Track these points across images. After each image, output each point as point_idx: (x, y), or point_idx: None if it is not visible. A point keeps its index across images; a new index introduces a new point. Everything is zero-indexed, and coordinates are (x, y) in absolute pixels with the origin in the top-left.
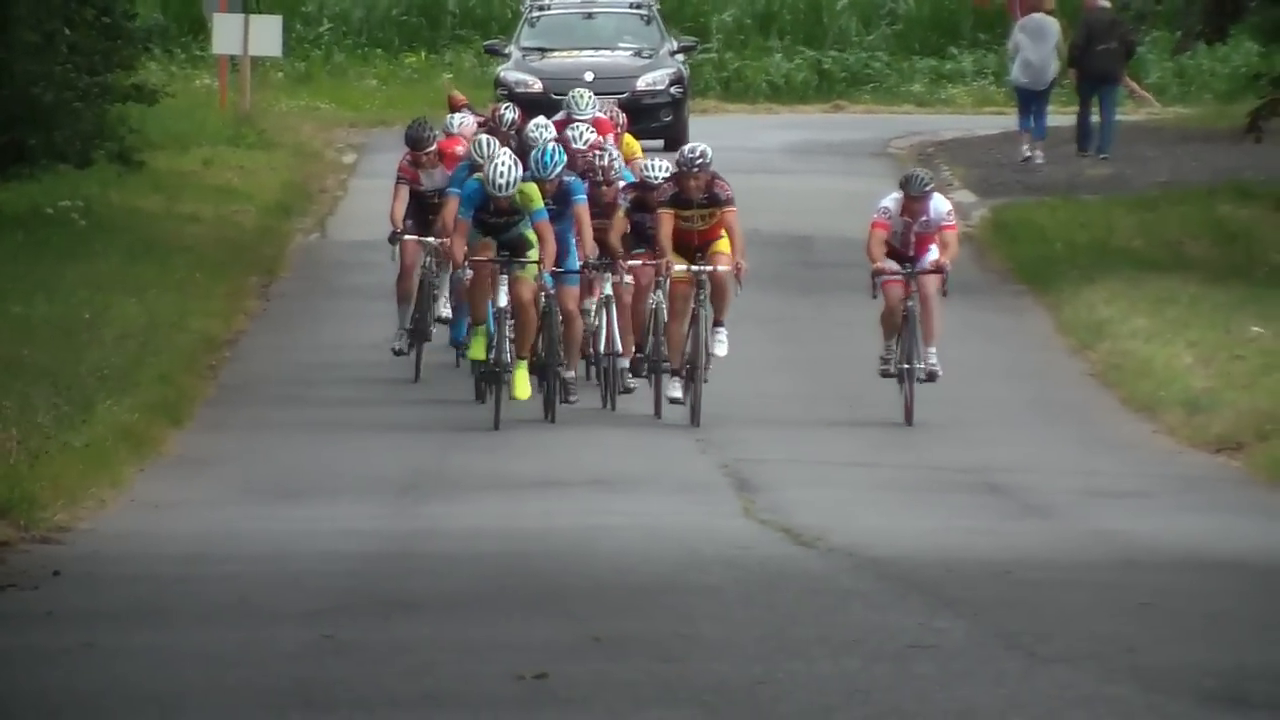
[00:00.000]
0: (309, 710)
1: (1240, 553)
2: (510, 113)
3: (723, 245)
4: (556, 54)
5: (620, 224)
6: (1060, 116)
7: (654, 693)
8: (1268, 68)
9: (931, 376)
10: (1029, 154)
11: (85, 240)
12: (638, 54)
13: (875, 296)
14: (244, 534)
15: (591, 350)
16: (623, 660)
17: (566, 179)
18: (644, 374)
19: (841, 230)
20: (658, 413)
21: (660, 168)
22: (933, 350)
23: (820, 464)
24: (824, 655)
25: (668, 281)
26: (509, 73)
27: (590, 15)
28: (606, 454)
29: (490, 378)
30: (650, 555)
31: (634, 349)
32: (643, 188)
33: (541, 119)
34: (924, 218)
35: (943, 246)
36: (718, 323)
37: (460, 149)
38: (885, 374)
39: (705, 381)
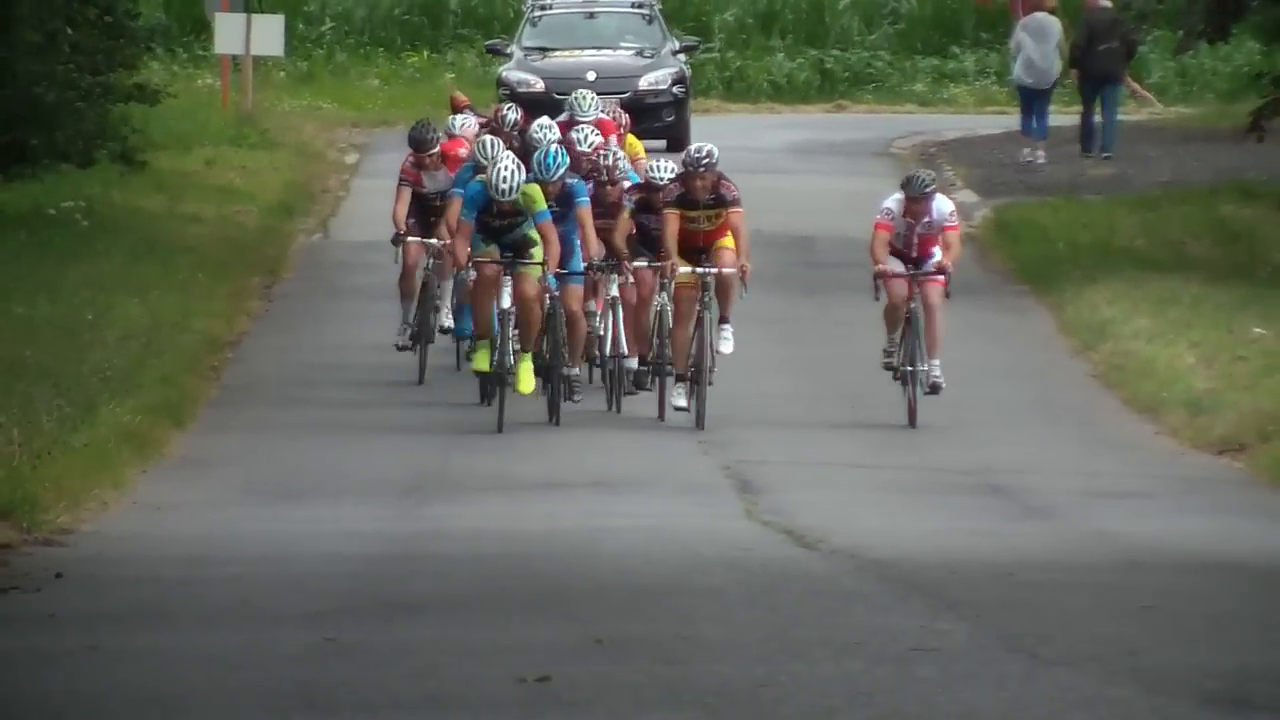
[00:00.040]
0: (311, 712)
1: (1242, 554)
2: (513, 113)
3: (727, 242)
4: (558, 53)
5: (625, 225)
6: (1062, 116)
7: (656, 695)
8: (1269, 67)
9: (935, 389)
10: (1030, 157)
11: (87, 240)
12: (640, 54)
13: (877, 298)
14: (246, 536)
15: (597, 352)
16: (625, 662)
17: (569, 181)
18: (648, 386)
19: (844, 230)
20: (661, 415)
21: (666, 168)
22: (936, 362)
23: (822, 465)
24: (826, 657)
25: (672, 284)
26: (511, 72)
27: (592, 15)
28: (609, 456)
29: (494, 380)
30: (652, 557)
31: (638, 361)
32: (648, 188)
33: (545, 119)
34: (926, 219)
35: (945, 247)
36: (723, 319)
37: (463, 151)
38: (888, 367)
39: (710, 384)
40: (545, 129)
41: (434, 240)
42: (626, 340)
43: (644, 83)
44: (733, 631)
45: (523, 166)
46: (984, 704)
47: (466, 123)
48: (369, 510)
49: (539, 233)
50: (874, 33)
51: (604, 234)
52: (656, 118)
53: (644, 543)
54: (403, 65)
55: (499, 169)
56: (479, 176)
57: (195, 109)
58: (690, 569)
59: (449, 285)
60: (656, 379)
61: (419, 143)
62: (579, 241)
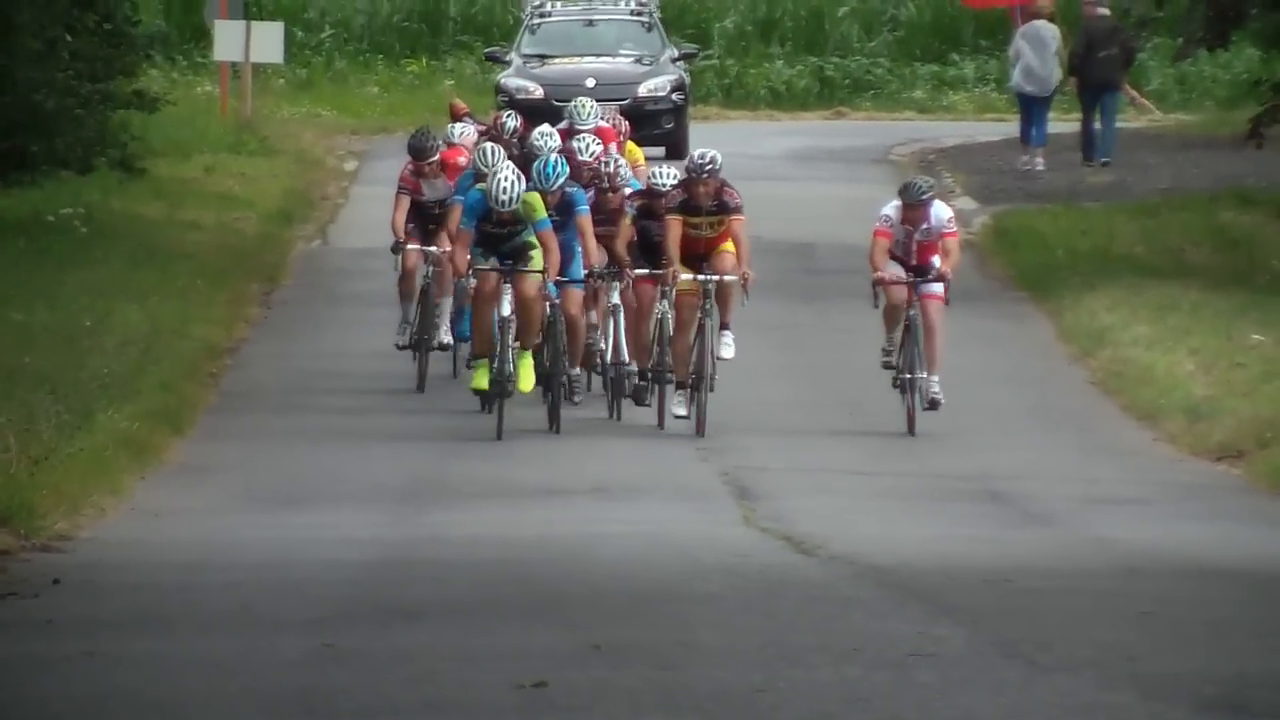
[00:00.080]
0: (309, 718)
1: (1241, 561)
2: (512, 120)
3: (727, 246)
4: (557, 61)
5: (626, 231)
6: (1061, 124)
7: (654, 701)
8: (1269, 74)
9: (934, 405)
10: (1029, 164)
11: (86, 247)
12: (639, 61)
13: (877, 305)
14: (245, 542)
15: (599, 361)
16: (623, 668)
17: (569, 190)
18: (647, 402)
19: (843, 237)
20: (661, 423)
21: (668, 174)
22: (935, 378)
23: (820, 472)
24: (824, 663)
25: (673, 291)
26: (510, 79)
27: (591, 23)
28: (608, 463)
29: (494, 388)
30: (650, 563)
31: (637, 375)
32: (650, 195)
33: (546, 127)
34: (925, 225)
35: (944, 254)
36: (724, 325)
37: (462, 159)
38: (887, 365)
39: (711, 391)
40: (546, 137)
41: (433, 248)
42: (627, 347)
43: (643, 90)
44: (730, 637)
45: (522, 177)
46: (982, 710)
47: (465, 131)
48: (367, 517)
49: (539, 241)
50: (873, 40)
51: (605, 241)
52: (656, 125)
53: (642, 549)
54: (402, 72)
55: (498, 180)
56: (479, 185)
57: (194, 116)
58: (688, 575)
59: (447, 302)
60: (656, 387)
61: (418, 151)
62: (579, 249)
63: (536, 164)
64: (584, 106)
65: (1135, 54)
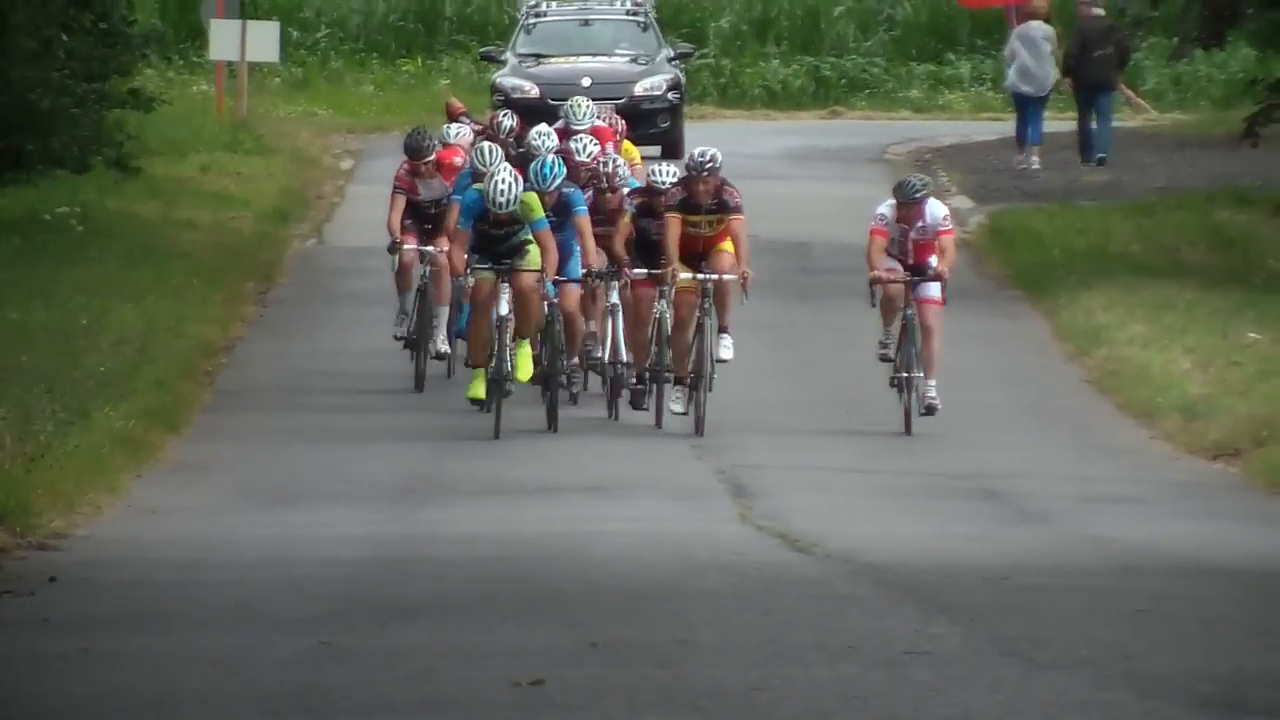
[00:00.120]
0: (306, 716)
1: (1237, 559)
2: (509, 120)
3: (725, 246)
4: (553, 60)
5: (625, 229)
6: (1057, 123)
7: (651, 698)
8: (1264, 73)
9: (930, 410)
10: (1025, 163)
11: (82, 246)
12: (634, 60)
13: (874, 305)
14: (242, 540)
15: (598, 357)
16: (619, 666)
17: (566, 191)
18: (644, 406)
19: (839, 236)
20: (659, 423)
21: (668, 172)
22: (932, 383)
23: (817, 470)
24: (820, 661)
25: (672, 290)
26: (505, 79)
27: (587, 22)
28: (604, 461)
29: (493, 387)
30: (647, 561)
31: (635, 379)
32: (650, 192)
33: (544, 126)
34: (920, 223)
35: (940, 253)
36: (722, 329)
37: (458, 159)
38: (884, 358)
39: (710, 390)
40: (543, 136)
41: (430, 248)
42: (626, 348)
43: (639, 89)
44: (727, 635)
45: (520, 178)
46: (978, 708)
47: (461, 132)
48: (364, 515)
49: (536, 241)
50: (869, 39)
51: (604, 241)
52: (652, 124)
53: (638, 547)
54: (397, 72)
55: (495, 182)
56: (476, 185)
57: (190, 115)
58: (685, 573)
59: (444, 311)
60: (654, 387)
61: (414, 150)
62: (577, 248)
63: (534, 164)
64: (580, 106)
65: (1130, 54)
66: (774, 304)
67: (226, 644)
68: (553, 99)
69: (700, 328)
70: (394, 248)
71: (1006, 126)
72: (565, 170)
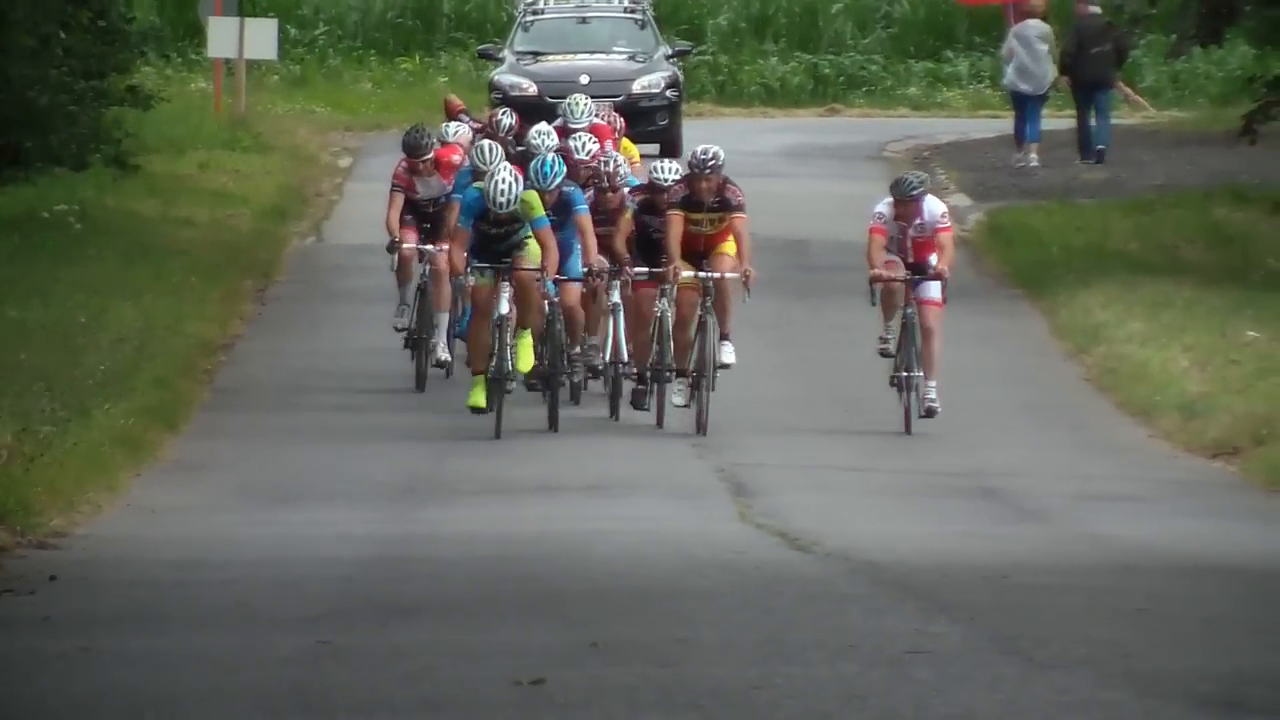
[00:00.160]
0: (306, 715)
1: (1236, 557)
2: (508, 118)
3: (727, 247)
4: (551, 58)
5: (626, 226)
6: (1055, 120)
7: (651, 698)
8: (1262, 70)
9: (930, 413)
10: (1023, 161)
11: (81, 244)
12: (632, 58)
13: (874, 303)
14: (241, 539)
15: (601, 359)
16: (620, 665)
17: (566, 189)
18: (646, 406)
19: (837, 234)
20: (660, 422)
21: (670, 169)
22: (933, 384)
23: (816, 468)
24: (820, 660)
25: (674, 289)
26: (503, 76)
27: (584, 20)
28: (605, 460)
29: (494, 386)
30: (647, 560)
31: (636, 379)
32: (652, 189)
33: (544, 125)
34: (918, 221)
35: (939, 250)
36: (723, 336)
37: (456, 157)
38: (884, 353)
39: (712, 390)
40: (543, 135)
41: (429, 247)
42: (627, 348)
43: (637, 87)
44: (727, 634)
45: (520, 177)
46: (978, 706)
47: (460, 130)
48: (364, 514)
49: (537, 239)
50: (867, 36)
51: (604, 240)
52: (650, 122)
53: (638, 546)
54: (395, 69)
55: (496, 182)
56: (476, 184)
57: (188, 113)
58: (684, 572)
59: (445, 317)
60: (655, 387)
61: (413, 148)
62: (578, 245)
63: (534, 163)
64: (578, 104)
65: (1128, 51)
66: (773, 302)
67: (226, 643)
68: (551, 97)
69: (702, 325)
70: (393, 247)
71: (1005, 124)
72: (565, 169)
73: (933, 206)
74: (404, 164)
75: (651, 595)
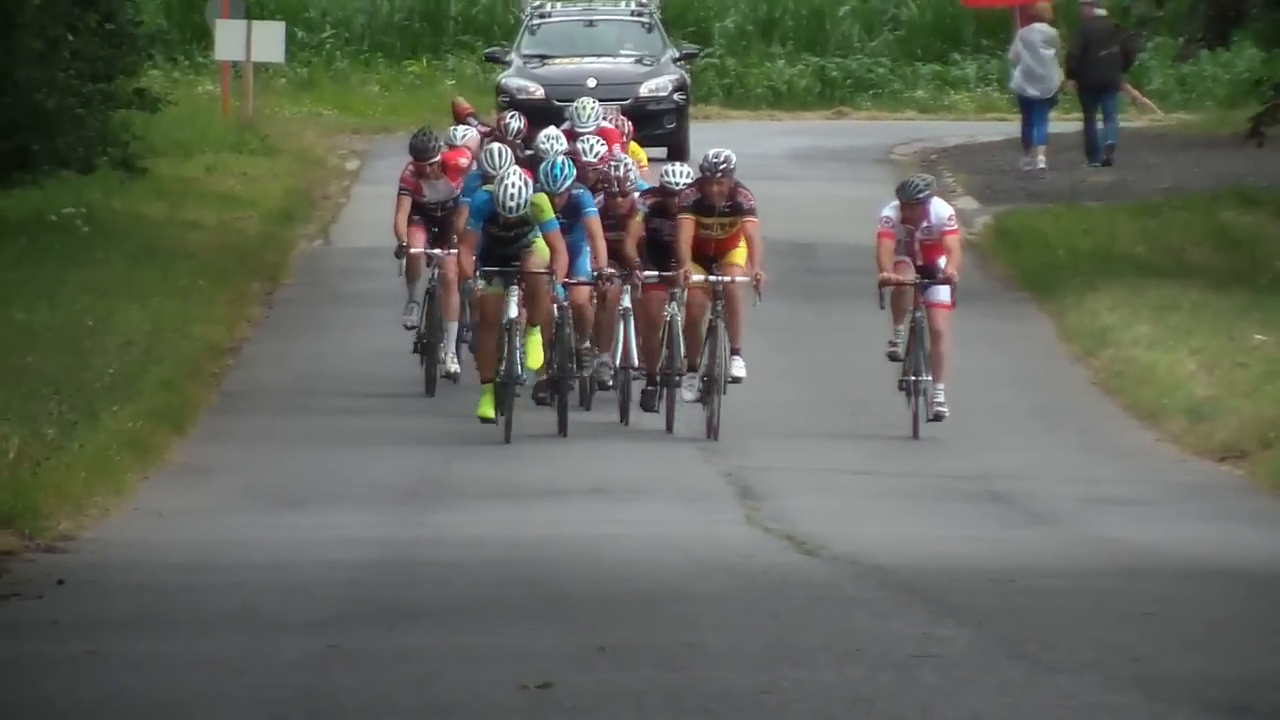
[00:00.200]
0: (313, 719)
1: (1243, 561)
2: (516, 121)
3: (737, 256)
4: (558, 61)
5: (637, 229)
6: (1063, 124)
7: (659, 702)
8: (1270, 73)
9: (938, 417)
10: (1031, 164)
11: (88, 247)
12: (640, 61)
13: (882, 307)
14: (248, 542)
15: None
16: (627, 669)
17: (576, 192)
18: (655, 408)
19: (844, 237)
20: (669, 426)
21: (681, 173)
22: (941, 388)
23: (823, 472)
24: (828, 664)
25: (684, 292)
26: (510, 79)
27: (591, 23)
28: (612, 464)
29: (502, 390)
30: (654, 564)
31: (645, 381)
32: (663, 193)
33: (553, 129)
34: (925, 223)
35: (947, 253)
36: (734, 351)
37: (464, 161)
38: (893, 357)
39: (724, 394)
40: (552, 139)
41: (437, 251)
42: (637, 353)
43: (644, 90)
44: (734, 638)
45: (529, 181)
46: (985, 710)
47: (467, 134)
48: (371, 517)
49: (546, 243)
50: (874, 39)
51: (614, 245)
52: (657, 125)
53: (645, 549)
54: (403, 72)
55: (505, 186)
56: (486, 187)
57: (196, 115)
58: (692, 575)
59: (453, 327)
60: (665, 390)
61: (420, 151)
62: (586, 248)
63: (543, 165)
64: (585, 108)
65: (1135, 54)
66: (780, 305)
67: (233, 646)
68: (558, 100)
69: (712, 330)
70: (401, 252)
71: (1012, 127)
72: (575, 171)
73: (939, 209)
74: (411, 167)
75: (659, 599)
